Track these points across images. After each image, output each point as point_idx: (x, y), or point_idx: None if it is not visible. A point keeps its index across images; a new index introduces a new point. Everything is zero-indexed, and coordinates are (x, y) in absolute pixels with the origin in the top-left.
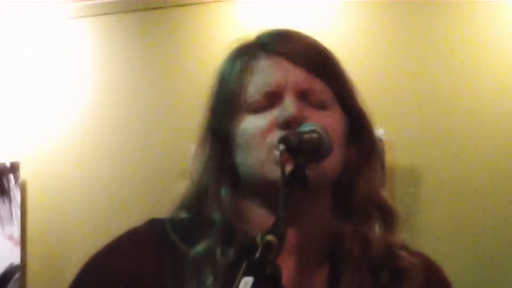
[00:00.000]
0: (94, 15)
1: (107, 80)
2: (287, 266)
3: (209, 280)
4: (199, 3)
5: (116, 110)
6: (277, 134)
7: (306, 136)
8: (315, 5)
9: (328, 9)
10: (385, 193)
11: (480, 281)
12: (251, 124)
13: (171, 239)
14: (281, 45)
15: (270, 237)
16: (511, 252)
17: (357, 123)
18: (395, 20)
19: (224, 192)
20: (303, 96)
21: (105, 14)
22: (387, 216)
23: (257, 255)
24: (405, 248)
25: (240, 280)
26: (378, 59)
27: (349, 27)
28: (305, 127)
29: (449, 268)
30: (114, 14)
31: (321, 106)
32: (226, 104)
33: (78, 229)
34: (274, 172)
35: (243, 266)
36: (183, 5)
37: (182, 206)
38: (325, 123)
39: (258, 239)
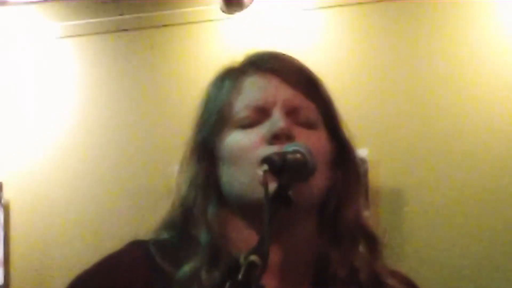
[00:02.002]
0: (81, 35)
1: (92, 99)
2: (270, 286)
3: None
4: (184, 23)
5: (101, 130)
6: (265, 149)
7: (290, 156)
8: (296, 26)
9: (311, 29)
10: (369, 218)
11: None
12: (238, 138)
13: (156, 262)
14: (272, 62)
15: (253, 257)
16: (496, 274)
17: (342, 149)
18: (379, 41)
19: (211, 209)
20: (291, 113)
21: (91, 34)
22: (372, 242)
23: (240, 276)
24: (393, 273)
25: None
26: (362, 79)
27: (332, 47)
28: (288, 148)
29: None
30: (100, 34)
31: (309, 125)
32: (214, 119)
33: (62, 250)
34: (258, 192)
35: (226, 287)
36: (168, 25)
37: (166, 225)
38: (312, 142)
39: (242, 259)
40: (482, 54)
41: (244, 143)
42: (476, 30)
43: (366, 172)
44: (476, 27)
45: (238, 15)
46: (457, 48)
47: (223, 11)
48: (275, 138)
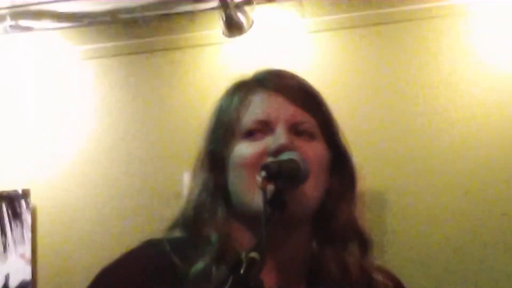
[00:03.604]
0: (100, 57)
1: (110, 114)
2: (268, 281)
3: None
4: (193, 46)
5: (118, 142)
6: (268, 159)
7: (285, 164)
8: (290, 48)
9: (304, 51)
10: (361, 220)
11: None
12: (244, 149)
13: (170, 258)
14: (277, 82)
15: (253, 254)
16: (479, 272)
17: (339, 157)
18: (365, 61)
19: (220, 213)
20: (292, 127)
21: (109, 56)
22: (364, 241)
23: (242, 270)
24: (380, 269)
25: None
26: (351, 93)
27: (323, 66)
28: (284, 156)
29: None
30: (116, 56)
31: (309, 137)
32: (224, 130)
33: (84, 249)
34: (258, 203)
35: (230, 280)
36: (176, 48)
37: (178, 225)
38: (311, 151)
39: (243, 256)
40: (451, 70)
41: (249, 154)
42: (444, 49)
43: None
44: (444, 46)
45: (238, 39)
46: (430, 65)
47: (226, 36)
48: (276, 152)
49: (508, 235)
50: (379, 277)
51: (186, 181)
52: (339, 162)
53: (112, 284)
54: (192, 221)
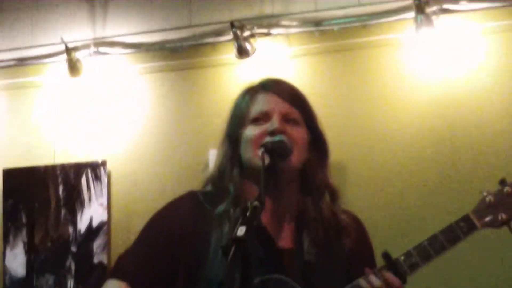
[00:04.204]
0: (151, 73)
1: (159, 110)
2: (268, 221)
3: (226, 228)
4: (212, 66)
5: (165, 130)
6: (266, 139)
7: (276, 143)
8: (284, 69)
9: (290, 72)
10: (331, 179)
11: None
12: (251, 131)
13: (202, 203)
14: (274, 86)
15: (256, 203)
16: (420, 209)
17: (316, 138)
18: (330, 76)
19: (235, 173)
20: (284, 117)
21: (157, 72)
22: (333, 193)
23: (248, 214)
24: (345, 211)
25: (238, 228)
26: (320, 96)
27: (300, 78)
28: (276, 138)
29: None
30: (162, 72)
31: (295, 124)
32: (238, 119)
33: (144, 200)
34: (257, 163)
35: (240, 220)
36: (203, 67)
37: (208, 182)
38: (296, 134)
39: (249, 204)
40: (392, 86)
41: (254, 135)
42: (387, 71)
43: None
44: (387, 69)
45: (245, 61)
46: (374, 82)
47: (237, 58)
48: (272, 133)
49: (433, 179)
50: (343, 216)
51: (211, 157)
52: (316, 141)
53: (163, 222)
54: (217, 179)
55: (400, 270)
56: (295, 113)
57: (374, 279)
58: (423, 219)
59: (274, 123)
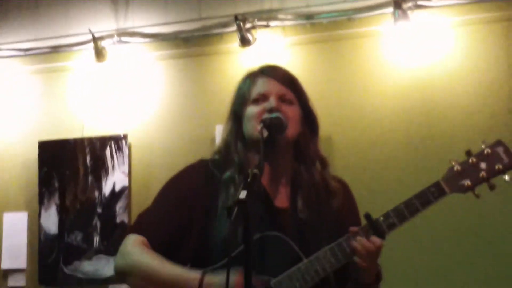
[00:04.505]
0: (167, 59)
1: (173, 90)
2: (267, 185)
3: (232, 191)
4: (219, 53)
5: (178, 108)
6: (265, 115)
7: (273, 120)
8: (280, 57)
9: (288, 60)
10: (321, 149)
11: None
12: (252, 109)
13: (212, 170)
14: (272, 71)
15: (255, 170)
16: (401, 181)
17: (308, 115)
18: (320, 64)
19: (239, 145)
20: (280, 98)
21: (172, 58)
22: (323, 161)
23: (249, 179)
24: (334, 177)
25: (240, 192)
26: (312, 80)
27: (294, 65)
28: (273, 115)
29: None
30: (175, 59)
31: (289, 103)
32: (241, 99)
33: (160, 168)
34: (257, 136)
35: (241, 185)
36: (211, 54)
37: (217, 152)
38: (291, 111)
39: (250, 171)
40: (373, 71)
41: (254, 112)
42: (369, 59)
43: None
44: (369, 56)
45: (247, 50)
46: (360, 70)
47: (240, 47)
48: (269, 111)
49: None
50: (333, 182)
51: (218, 131)
52: (308, 118)
53: (177, 185)
54: (224, 150)
55: (380, 229)
56: (289, 94)
57: (360, 238)
58: (401, 182)
59: (272, 102)
